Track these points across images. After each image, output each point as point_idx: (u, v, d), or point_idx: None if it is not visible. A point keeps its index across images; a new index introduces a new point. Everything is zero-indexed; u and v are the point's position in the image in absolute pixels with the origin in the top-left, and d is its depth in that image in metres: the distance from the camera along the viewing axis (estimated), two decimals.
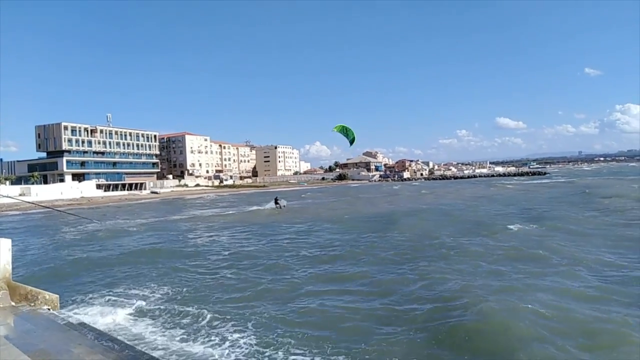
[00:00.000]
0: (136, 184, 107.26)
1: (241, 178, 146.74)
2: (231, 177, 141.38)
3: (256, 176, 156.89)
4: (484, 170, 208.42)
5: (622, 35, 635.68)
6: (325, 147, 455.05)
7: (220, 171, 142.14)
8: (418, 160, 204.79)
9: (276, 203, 42.76)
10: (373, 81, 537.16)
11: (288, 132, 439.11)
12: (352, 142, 29.36)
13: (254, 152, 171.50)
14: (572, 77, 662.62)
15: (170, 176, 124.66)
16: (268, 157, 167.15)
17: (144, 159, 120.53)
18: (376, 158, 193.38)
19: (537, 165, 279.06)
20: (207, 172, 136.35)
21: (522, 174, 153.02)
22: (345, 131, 28.77)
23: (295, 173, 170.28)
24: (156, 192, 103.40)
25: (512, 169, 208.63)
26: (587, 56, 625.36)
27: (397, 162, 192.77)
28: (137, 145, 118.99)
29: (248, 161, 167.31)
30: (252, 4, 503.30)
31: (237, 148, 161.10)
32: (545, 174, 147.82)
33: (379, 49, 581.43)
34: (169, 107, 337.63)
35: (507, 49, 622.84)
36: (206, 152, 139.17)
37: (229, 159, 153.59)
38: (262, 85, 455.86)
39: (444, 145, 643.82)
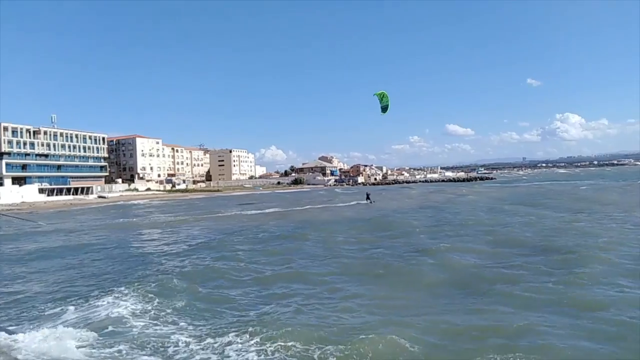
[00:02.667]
0: (82, 188, 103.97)
1: (194, 182, 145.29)
2: (184, 181, 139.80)
3: (210, 180, 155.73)
4: (435, 176, 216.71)
5: (561, 48, 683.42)
6: (281, 151, 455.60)
7: (173, 175, 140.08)
8: (372, 165, 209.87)
9: (367, 198, 50.49)
10: (326, 84, 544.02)
11: (243, 136, 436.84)
12: (384, 109, 25.93)
13: (208, 155, 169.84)
14: (515, 86, 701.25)
15: (120, 180, 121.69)
16: (222, 161, 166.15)
17: (91, 162, 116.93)
18: (332, 163, 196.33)
19: (485, 171, 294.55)
20: (159, 176, 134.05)
21: (470, 179, 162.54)
22: (381, 97, 27.06)
23: (251, 177, 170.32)
24: (104, 197, 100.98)
25: (461, 174, 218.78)
26: (529, 67, 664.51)
27: (352, 167, 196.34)
28: (84, 148, 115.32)
29: (202, 165, 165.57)
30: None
31: (190, 152, 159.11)
32: (492, 179, 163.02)
33: (331, 51, 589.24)
34: (119, 109, 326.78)
35: (454, 57, 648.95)
36: (158, 156, 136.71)
37: (182, 163, 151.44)
38: (217, 88, 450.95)
39: (396, 150, 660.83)
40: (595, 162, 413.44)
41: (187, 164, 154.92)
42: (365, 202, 49.92)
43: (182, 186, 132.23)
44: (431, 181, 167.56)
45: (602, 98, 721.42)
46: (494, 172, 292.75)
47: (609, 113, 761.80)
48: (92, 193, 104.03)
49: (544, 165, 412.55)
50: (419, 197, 61.45)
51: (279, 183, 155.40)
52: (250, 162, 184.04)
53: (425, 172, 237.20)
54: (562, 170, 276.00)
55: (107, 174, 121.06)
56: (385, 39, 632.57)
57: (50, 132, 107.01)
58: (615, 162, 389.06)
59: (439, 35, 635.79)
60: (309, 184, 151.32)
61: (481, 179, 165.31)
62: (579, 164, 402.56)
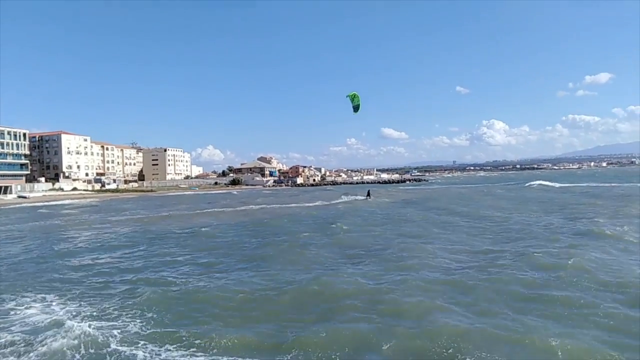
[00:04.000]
0: (0, 188, 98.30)
1: (126, 182, 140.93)
2: (114, 180, 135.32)
3: (143, 180, 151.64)
4: (371, 177, 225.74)
5: (486, 58, 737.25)
6: (219, 151, 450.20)
7: (102, 174, 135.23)
8: (311, 167, 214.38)
9: (368, 195, 56.74)
10: (265, 84, 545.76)
11: (179, 135, 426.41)
12: (355, 109, 27.75)
13: (140, 154, 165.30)
14: (445, 93, 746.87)
15: (43, 179, 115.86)
16: (157, 160, 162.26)
17: (9, 160, 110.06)
18: (270, 163, 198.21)
19: (418, 173, 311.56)
20: (87, 175, 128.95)
21: (404, 181, 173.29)
22: (352, 98, 27.70)
23: (187, 177, 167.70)
24: (24, 197, 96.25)
25: (396, 176, 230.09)
26: (458, 76, 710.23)
27: (291, 168, 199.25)
28: (2, 144, 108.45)
29: (134, 164, 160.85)
30: None
31: (121, 150, 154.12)
32: (420, 180, 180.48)
33: (268, 50, 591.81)
34: (43, 104, 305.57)
35: (388, 62, 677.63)
36: (86, 154, 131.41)
37: (113, 162, 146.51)
38: (150, 83, 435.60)
39: (334, 152, 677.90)
40: (518, 166, 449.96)
41: (118, 162, 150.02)
42: (364, 198, 56.68)
43: (113, 186, 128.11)
44: (367, 182, 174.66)
45: (523, 106, 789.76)
46: (427, 174, 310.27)
47: (529, 120, 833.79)
48: (10, 193, 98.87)
49: (472, 168, 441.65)
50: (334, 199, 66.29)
51: (216, 183, 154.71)
52: (186, 161, 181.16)
53: (362, 174, 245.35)
54: (481, 173, 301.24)
55: (29, 172, 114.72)
56: (323, 39, 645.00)
57: None
58: (535, 166, 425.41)
59: (375, 39, 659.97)
60: (247, 185, 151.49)
61: (417, 180, 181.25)
62: (503, 168, 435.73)
